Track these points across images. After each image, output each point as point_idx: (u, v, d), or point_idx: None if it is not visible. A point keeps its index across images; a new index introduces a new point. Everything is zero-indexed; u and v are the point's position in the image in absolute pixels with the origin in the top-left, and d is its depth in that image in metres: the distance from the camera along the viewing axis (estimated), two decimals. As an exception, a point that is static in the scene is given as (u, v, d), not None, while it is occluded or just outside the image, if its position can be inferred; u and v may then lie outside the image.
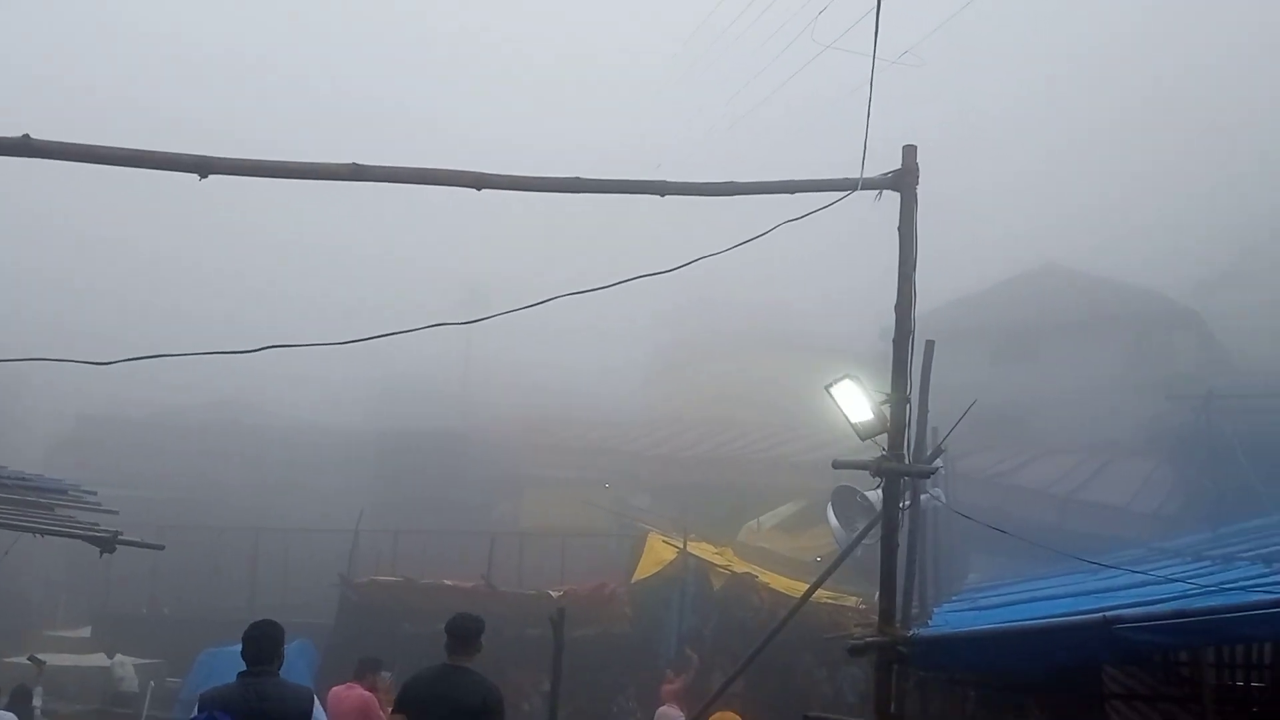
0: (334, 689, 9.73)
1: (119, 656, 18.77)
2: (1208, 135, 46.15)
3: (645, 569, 17.90)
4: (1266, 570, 8.75)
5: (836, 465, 7.58)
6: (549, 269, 39.72)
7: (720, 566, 17.75)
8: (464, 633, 6.90)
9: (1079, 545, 14.33)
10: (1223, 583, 7.63)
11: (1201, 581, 7.77)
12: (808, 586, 10.34)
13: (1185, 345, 27.77)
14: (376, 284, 52.07)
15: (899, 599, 7.76)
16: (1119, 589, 9.16)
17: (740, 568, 17.93)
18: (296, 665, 11.90)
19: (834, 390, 7.02)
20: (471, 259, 51.36)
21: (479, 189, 5.74)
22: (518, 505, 28.18)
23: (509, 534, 21.75)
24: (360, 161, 5.41)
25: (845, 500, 14.60)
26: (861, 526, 11.22)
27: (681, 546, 17.69)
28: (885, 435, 6.92)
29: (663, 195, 6.28)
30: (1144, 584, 8.71)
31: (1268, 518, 15.68)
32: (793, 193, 6.64)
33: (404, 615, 16.82)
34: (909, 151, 7.00)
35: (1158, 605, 6.68)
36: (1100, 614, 6.19)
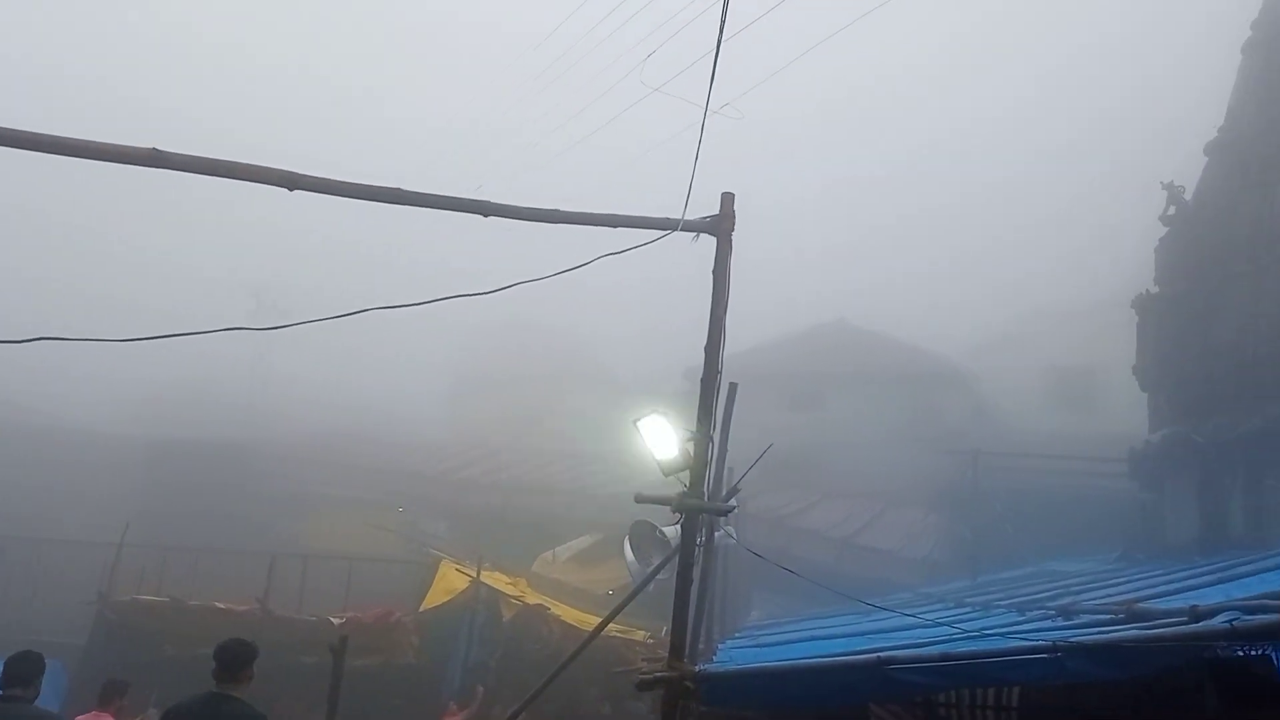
0: (78, 718, 8.91)
1: None
2: (986, 207, 50.43)
3: (435, 597, 17.43)
4: (1020, 618, 9.49)
5: (638, 499, 7.65)
6: (356, 280, 38.47)
7: (512, 597, 17.53)
8: (233, 659, 6.49)
9: (855, 587, 15.08)
10: (983, 629, 8.19)
11: (964, 626, 8.32)
12: (599, 620, 10.34)
13: (957, 404, 29.96)
14: (165, 283, 48.66)
15: (688, 635, 7.88)
16: (889, 631, 9.67)
17: (532, 599, 17.77)
18: (43, 689, 10.82)
19: (642, 425, 7.10)
20: (272, 263, 48.96)
21: (291, 189, 5.48)
22: (303, 525, 26.86)
23: (291, 555, 20.64)
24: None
25: (643, 535, 14.71)
26: (656, 561, 11.35)
27: (474, 575, 17.36)
28: (687, 473, 7.05)
29: (485, 215, 6.20)
30: (912, 627, 9.24)
31: (1021, 569, 17.08)
32: (614, 226, 6.72)
33: (168, 638, 15.62)
34: (727, 198, 7.24)
35: (925, 648, 7.09)
36: (874, 655, 6.51)
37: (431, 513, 26.80)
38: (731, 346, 7.72)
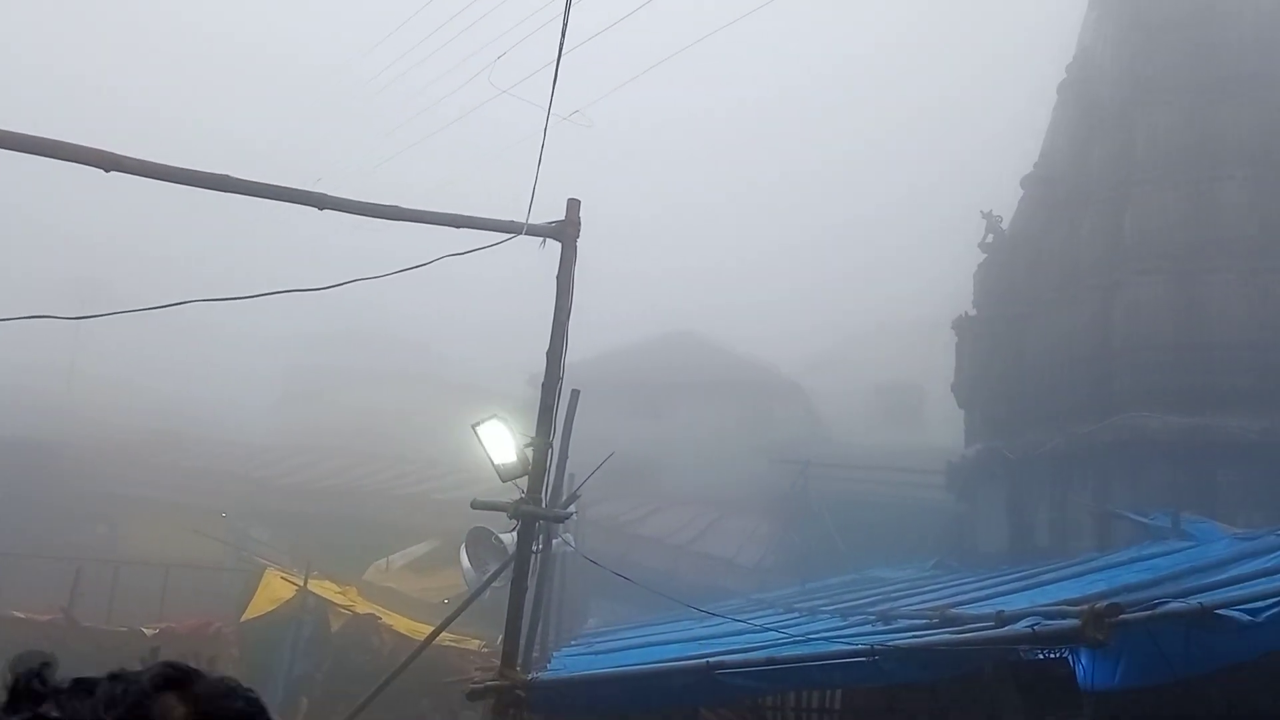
0: None
1: None
2: (830, 228, 52.57)
3: (258, 607, 16.66)
4: (843, 623, 9.86)
5: (475, 505, 7.54)
6: (183, 267, 36.41)
7: (341, 606, 16.95)
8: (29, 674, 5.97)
9: (691, 593, 15.32)
10: (808, 633, 8.46)
11: (790, 631, 8.58)
12: (433, 629, 10.13)
13: (791, 416, 31.00)
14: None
15: (522, 642, 7.81)
16: (721, 636, 9.88)
17: (363, 608, 17.23)
18: None
19: (480, 430, 7.00)
20: (91, 248, 45.77)
21: (107, 170, 5.12)
22: (116, 530, 25.21)
23: (101, 561, 19.34)
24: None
25: (479, 541, 14.52)
26: (493, 569, 11.22)
27: (301, 584, 16.70)
28: (525, 479, 6.99)
29: (321, 209, 5.98)
30: (742, 632, 9.46)
31: (846, 576, 17.76)
32: (458, 227, 6.61)
33: (-48, 653, 14.32)
34: (573, 205, 7.23)
35: (753, 653, 7.27)
36: (704, 660, 6.62)
37: (257, 518, 25.63)
38: (576, 353, 7.72)
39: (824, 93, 59.96)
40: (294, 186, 5.81)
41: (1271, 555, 8.84)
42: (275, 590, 17.02)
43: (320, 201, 5.94)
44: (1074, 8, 19.63)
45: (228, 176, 5.51)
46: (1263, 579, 7.36)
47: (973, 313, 18.60)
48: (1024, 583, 10.62)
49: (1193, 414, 14.19)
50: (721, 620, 10.47)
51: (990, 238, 18.43)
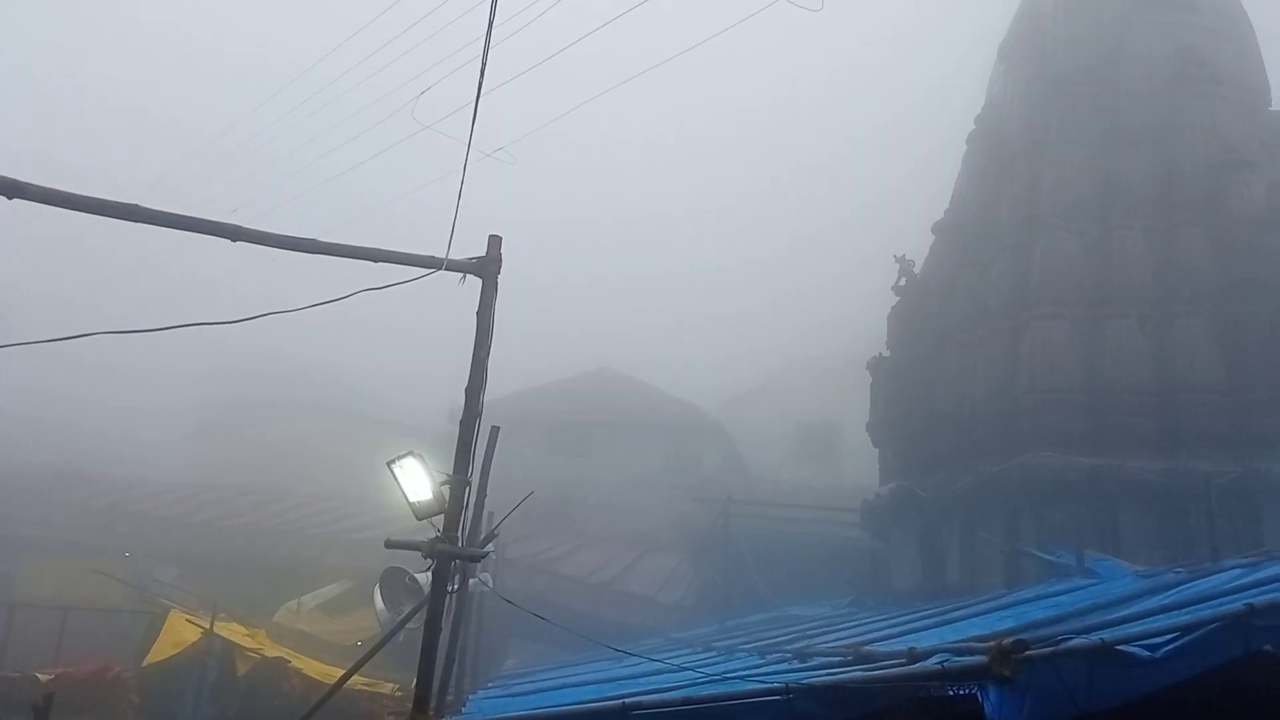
0: None
1: None
2: (752, 264, 53.39)
3: (161, 650, 16.04)
4: (760, 661, 9.90)
5: (389, 545, 7.40)
6: (88, 296, 35.12)
7: (249, 650, 16.41)
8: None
9: (611, 632, 15.24)
10: (725, 672, 8.47)
11: (708, 670, 8.58)
12: (344, 671, 9.86)
13: (712, 453, 31.17)
14: None
15: (435, 685, 7.66)
16: (639, 676, 9.83)
17: (272, 651, 16.71)
18: None
19: (396, 467, 6.90)
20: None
21: (10, 197, 4.97)
22: (11, 570, 24.03)
23: (-9, 604, 18.43)
24: None
25: (394, 582, 14.28)
26: (408, 609, 11.01)
27: (207, 626, 16.13)
28: (442, 517, 6.90)
29: (235, 240, 5.87)
30: (660, 672, 9.43)
31: (764, 613, 17.87)
32: (376, 261, 6.55)
33: None
34: (494, 241, 7.23)
35: (669, 693, 7.24)
36: (620, 700, 6.58)
37: (163, 558, 24.71)
38: (497, 390, 7.69)
39: (747, 131, 61.26)
40: (207, 218, 5.70)
41: (1170, 592, 9.17)
42: (179, 633, 16.42)
43: (234, 233, 5.84)
44: (983, 61, 20.48)
45: (137, 206, 5.38)
46: (1161, 615, 7.63)
47: (886, 353, 19.04)
48: (935, 620, 10.80)
49: (1096, 454, 14.70)
50: (639, 660, 10.42)
51: (903, 281, 18.94)
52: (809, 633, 12.54)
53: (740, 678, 7.69)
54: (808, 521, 21.86)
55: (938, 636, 8.86)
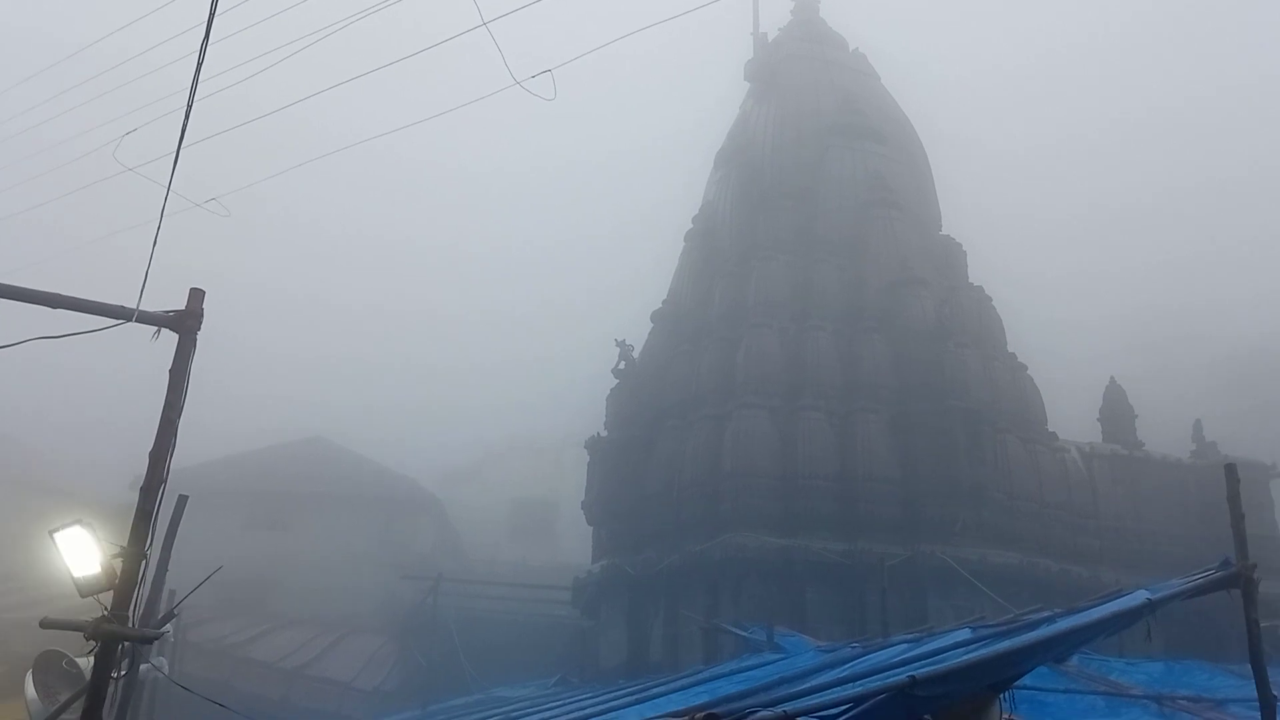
0: None
1: None
2: (476, 341, 53.10)
3: None
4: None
5: (44, 625, 6.55)
6: None
7: None
8: None
9: (301, 722, 14.23)
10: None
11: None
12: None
13: (427, 529, 30.29)
14: None
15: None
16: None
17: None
18: None
19: (59, 537, 6.17)
20: None
21: None
22: None
23: None
24: None
25: (49, 667, 12.60)
26: (65, 698, 9.77)
27: None
28: (111, 594, 6.23)
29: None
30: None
31: (471, 696, 17.43)
32: (55, 308, 5.93)
33: None
34: (195, 294, 6.77)
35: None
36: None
37: None
38: (191, 457, 7.12)
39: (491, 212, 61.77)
40: None
41: (846, 666, 9.90)
42: None
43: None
44: (703, 164, 22.01)
45: None
46: (837, 688, 8.21)
47: (604, 433, 19.57)
48: (636, 697, 11.01)
49: (787, 535, 15.81)
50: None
51: (622, 364, 19.66)
52: (514, 715, 12.37)
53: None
54: (520, 600, 21.70)
55: (638, 714, 9.02)
